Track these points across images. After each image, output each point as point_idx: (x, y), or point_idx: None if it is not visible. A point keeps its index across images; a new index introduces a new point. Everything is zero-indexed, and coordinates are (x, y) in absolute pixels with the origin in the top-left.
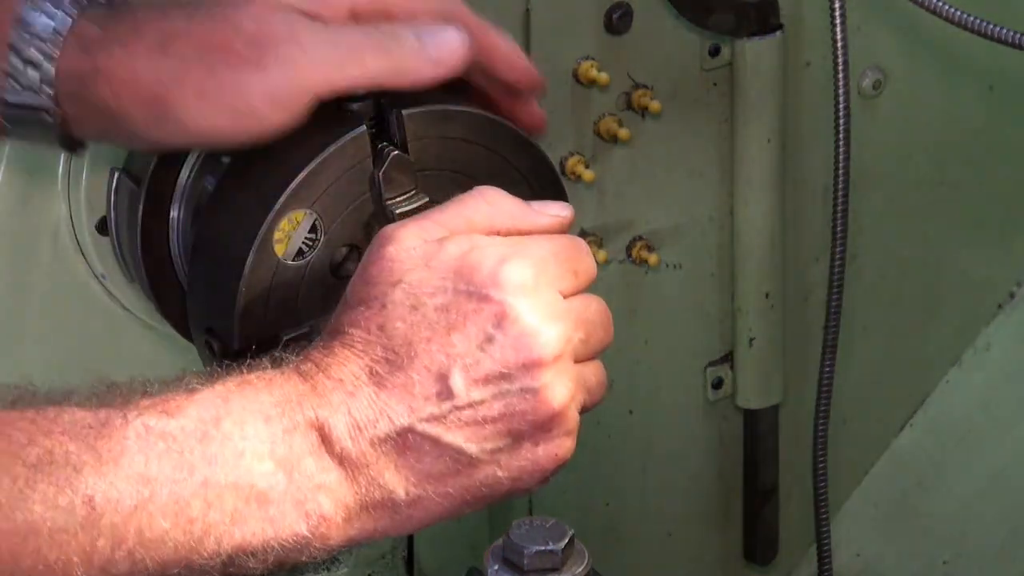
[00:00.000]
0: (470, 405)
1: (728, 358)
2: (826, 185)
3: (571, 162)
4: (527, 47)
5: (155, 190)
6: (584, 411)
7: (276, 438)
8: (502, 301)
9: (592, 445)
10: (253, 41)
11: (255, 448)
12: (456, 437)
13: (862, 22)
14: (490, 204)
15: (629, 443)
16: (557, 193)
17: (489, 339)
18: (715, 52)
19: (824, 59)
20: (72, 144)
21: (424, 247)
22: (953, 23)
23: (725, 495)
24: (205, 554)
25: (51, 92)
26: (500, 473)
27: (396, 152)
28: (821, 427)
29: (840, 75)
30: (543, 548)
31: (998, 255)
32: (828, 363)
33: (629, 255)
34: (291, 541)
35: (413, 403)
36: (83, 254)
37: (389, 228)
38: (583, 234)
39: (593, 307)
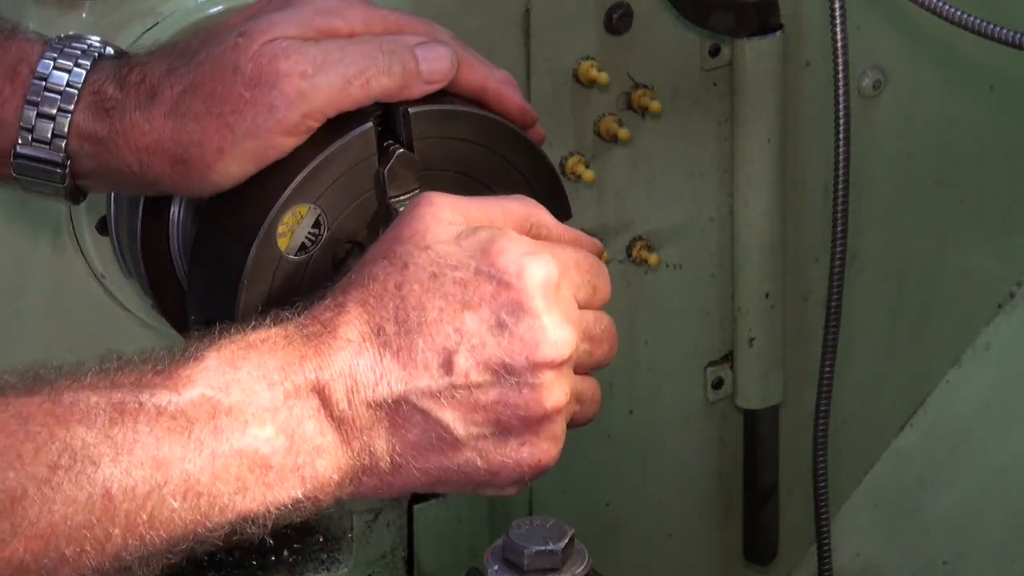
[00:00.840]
0: (467, 386)
1: (728, 358)
2: (826, 185)
3: (571, 162)
4: (527, 47)
5: None
6: (573, 425)
7: (278, 403)
8: (521, 291)
9: (592, 445)
10: (256, 82)
11: (259, 414)
12: (446, 415)
13: (862, 22)
14: (526, 207)
15: (629, 443)
16: (557, 194)
17: (500, 325)
18: (715, 52)
19: (824, 59)
20: (75, 195)
21: (459, 224)
22: (953, 23)
23: (725, 495)
24: (210, 525)
25: (63, 146)
26: (479, 463)
27: (402, 150)
28: (821, 427)
29: (840, 75)
30: (543, 548)
31: (998, 255)
32: (828, 363)
33: (629, 255)
34: (288, 505)
35: (413, 371)
36: (83, 254)
37: (432, 193)
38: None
39: (604, 324)
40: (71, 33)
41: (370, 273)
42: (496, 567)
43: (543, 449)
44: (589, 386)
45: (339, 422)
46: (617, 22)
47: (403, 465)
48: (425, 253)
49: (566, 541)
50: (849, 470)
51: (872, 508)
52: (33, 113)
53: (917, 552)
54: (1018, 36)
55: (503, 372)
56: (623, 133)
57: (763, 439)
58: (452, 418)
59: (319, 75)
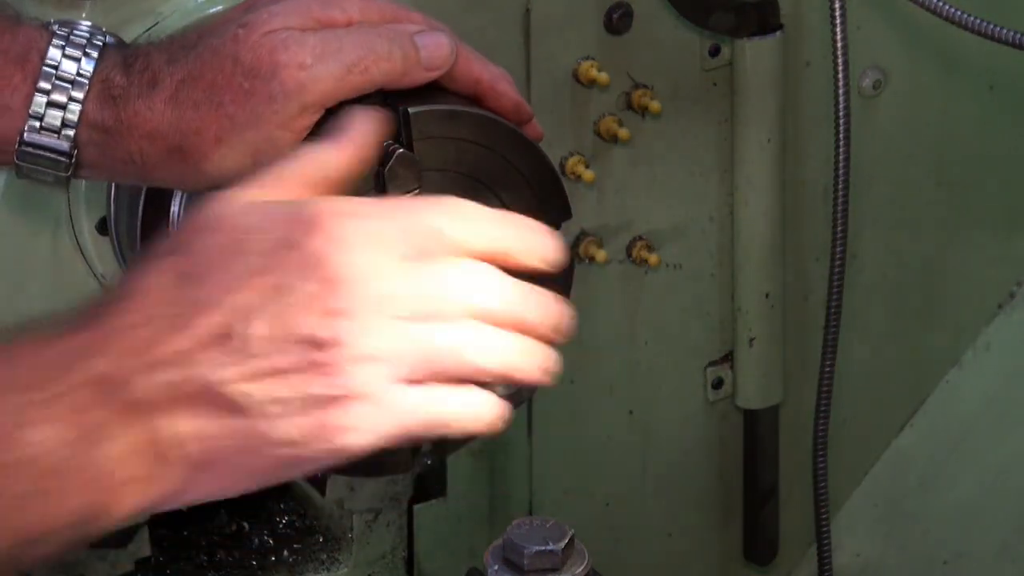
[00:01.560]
0: (258, 355)
1: (728, 358)
2: (826, 185)
3: (571, 162)
4: (527, 47)
5: (155, 188)
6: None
7: (62, 400)
8: (321, 254)
9: (592, 445)
10: (255, 73)
11: (38, 417)
12: (239, 388)
13: (862, 22)
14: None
15: (629, 443)
16: (557, 194)
17: (294, 290)
18: (715, 52)
19: (824, 59)
20: (69, 183)
21: (254, 199)
22: (953, 23)
23: (725, 495)
24: None
25: (71, 136)
26: (282, 431)
27: (402, 150)
28: (821, 427)
29: (840, 75)
30: (543, 548)
31: (998, 255)
32: (828, 363)
33: (629, 255)
34: (78, 515)
35: (201, 344)
36: (83, 254)
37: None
38: (583, 234)
39: (461, 280)
40: (66, 20)
41: (155, 266)
42: (496, 567)
43: (350, 414)
44: (450, 342)
45: (126, 407)
46: (617, 22)
47: (205, 451)
48: (215, 235)
49: (566, 541)
50: (849, 470)
51: (872, 508)
52: (44, 101)
53: (917, 552)
54: (1018, 36)
55: (296, 341)
56: (623, 133)
57: (763, 439)
58: (245, 390)
59: (318, 65)
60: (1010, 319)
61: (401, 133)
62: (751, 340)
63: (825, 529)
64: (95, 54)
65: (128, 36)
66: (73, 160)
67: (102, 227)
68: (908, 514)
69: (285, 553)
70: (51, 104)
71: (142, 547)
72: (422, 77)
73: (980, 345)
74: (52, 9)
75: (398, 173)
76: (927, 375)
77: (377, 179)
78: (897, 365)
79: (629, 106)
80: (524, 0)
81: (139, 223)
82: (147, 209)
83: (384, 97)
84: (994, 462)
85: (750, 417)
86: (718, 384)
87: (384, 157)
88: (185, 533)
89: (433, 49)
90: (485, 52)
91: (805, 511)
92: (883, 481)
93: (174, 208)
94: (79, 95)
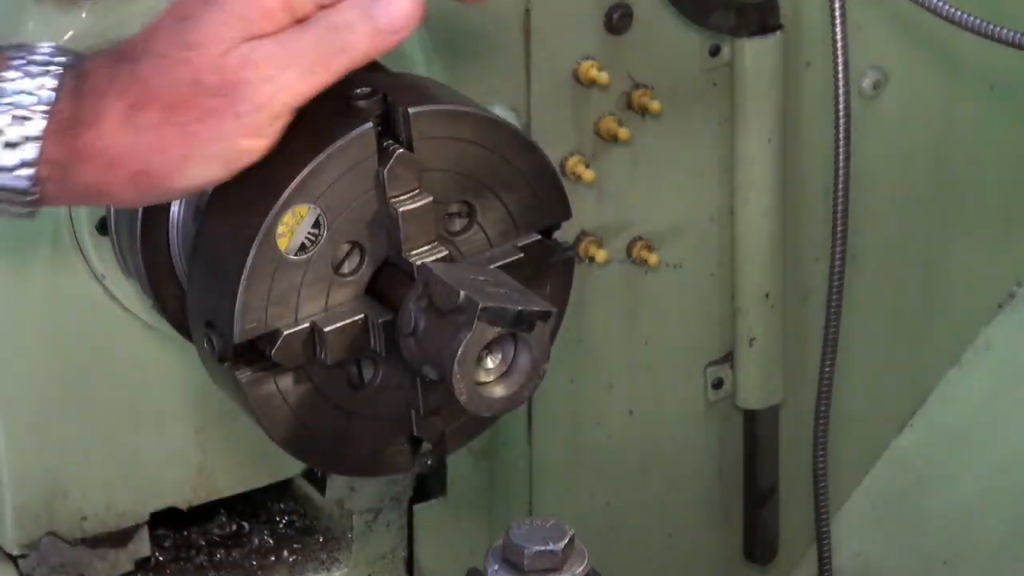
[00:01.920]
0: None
1: (728, 358)
2: (826, 185)
3: (571, 162)
4: (527, 47)
5: None
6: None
7: None
8: None
9: (592, 445)
10: (218, 90)
11: None
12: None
13: (862, 22)
14: None
15: (629, 443)
16: (557, 194)
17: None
18: (715, 52)
19: (824, 59)
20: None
21: None
22: (953, 23)
23: (725, 495)
24: None
25: (31, 174)
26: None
27: (402, 150)
28: (821, 427)
29: (840, 75)
30: (543, 548)
31: (998, 255)
32: (828, 363)
33: (629, 255)
34: None
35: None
36: (83, 254)
37: None
38: (583, 234)
39: None
40: (21, 43)
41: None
42: (496, 567)
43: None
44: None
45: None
46: (617, 22)
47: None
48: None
49: (566, 541)
50: (849, 470)
51: (872, 508)
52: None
53: (917, 552)
54: (1018, 36)
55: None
56: (623, 133)
57: (763, 439)
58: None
59: (282, 75)
60: (1010, 319)
61: (401, 133)
62: (751, 340)
63: (825, 529)
64: (53, 83)
65: (128, 36)
66: (35, 196)
67: (102, 227)
68: (908, 514)
69: (285, 553)
70: (8, 145)
71: (142, 547)
72: (393, 41)
73: (980, 345)
74: (52, 10)
75: (398, 173)
76: (927, 375)
77: (377, 179)
78: (897, 365)
79: (629, 106)
80: (524, 0)
81: (139, 223)
82: (147, 209)
83: (385, 96)
84: (994, 462)
85: (750, 417)
86: (718, 384)
87: (384, 157)
88: (185, 533)
89: (394, 14)
90: (485, 52)
91: (805, 511)
92: (883, 481)
93: (174, 209)
94: (35, 131)
